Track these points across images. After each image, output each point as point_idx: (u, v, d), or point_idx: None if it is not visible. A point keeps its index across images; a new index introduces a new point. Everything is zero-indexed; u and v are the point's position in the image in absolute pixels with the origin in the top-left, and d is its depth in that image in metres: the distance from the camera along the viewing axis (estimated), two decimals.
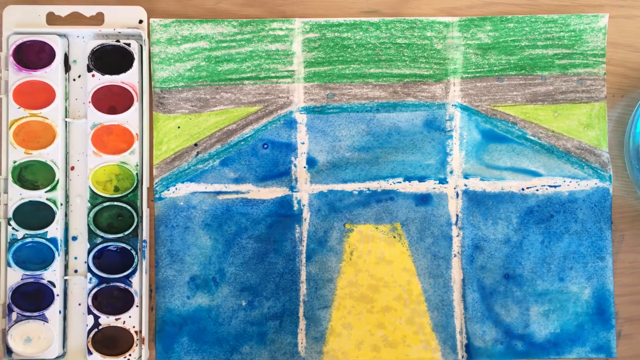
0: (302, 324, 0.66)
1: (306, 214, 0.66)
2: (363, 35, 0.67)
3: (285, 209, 0.66)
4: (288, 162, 0.66)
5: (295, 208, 0.66)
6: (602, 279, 0.66)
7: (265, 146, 0.66)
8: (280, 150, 0.66)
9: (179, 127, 0.66)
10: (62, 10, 0.66)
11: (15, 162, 0.64)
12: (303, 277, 0.66)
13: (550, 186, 0.66)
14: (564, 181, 0.66)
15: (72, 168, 0.66)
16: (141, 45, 0.65)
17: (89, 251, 0.64)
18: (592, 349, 0.66)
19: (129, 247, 0.64)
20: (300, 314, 0.66)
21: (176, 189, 0.66)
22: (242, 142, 0.66)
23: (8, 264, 0.64)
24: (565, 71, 0.67)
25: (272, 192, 0.66)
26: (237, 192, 0.66)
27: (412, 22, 0.67)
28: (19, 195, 0.64)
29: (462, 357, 0.66)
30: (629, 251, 0.67)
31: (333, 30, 0.67)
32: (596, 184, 0.66)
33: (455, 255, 0.66)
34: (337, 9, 0.67)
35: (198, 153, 0.66)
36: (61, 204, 0.64)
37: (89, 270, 0.64)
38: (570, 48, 0.67)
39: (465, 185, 0.66)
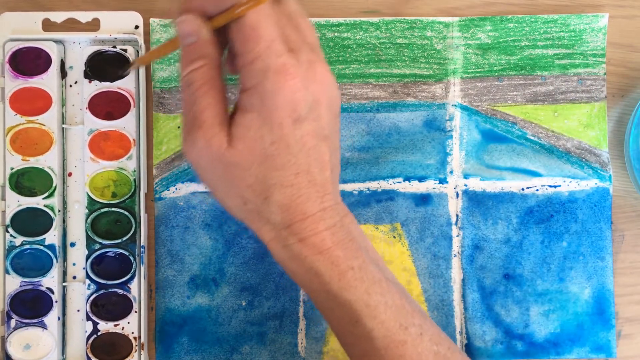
0: (302, 324, 0.66)
1: None
2: (363, 35, 0.66)
3: None
4: None
5: None
6: (602, 279, 0.66)
7: None
8: None
9: (179, 127, 0.66)
10: (58, 17, 0.65)
11: (12, 168, 0.64)
12: None
13: (550, 186, 0.66)
14: (564, 181, 0.66)
15: (70, 174, 0.65)
16: (137, 51, 0.65)
17: (87, 257, 0.64)
18: (592, 349, 0.66)
19: (127, 253, 0.64)
20: (300, 314, 0.66)
21: (176, 189, 0.66)
22: None
23: (6, 271, 0.63)
24: (565, 71, 0.67)
25: None
26: None
27: (412, 22, 0.66)
28: (16, 202, 0.64)
29: None
30: (629, 251, 0.67)
31: (333, 30, 0.66)
32: (596, 184, 0.66)
33: (455, 255, 0.66)
34: (337, 9, 0.67)
35: None
36: (59, 211, 0.64)
37: (88, 276, 0.64)
38: (570, 48, 0.67)
39: (465, 185, 0.66)
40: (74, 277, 0.65)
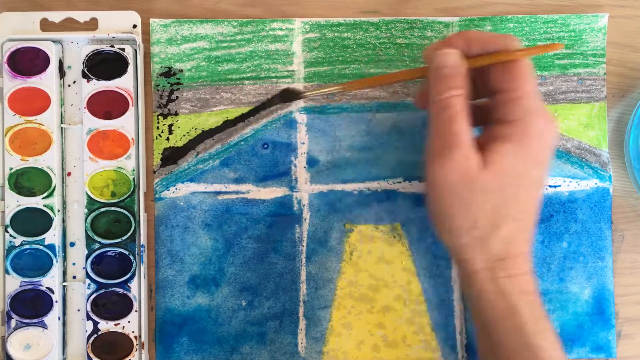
0: (302, 324, 0.66)
1: (306, 214, 0.66)
2: (363, 35, 0.66)
3: (285, 209, 0.66)
4: (288, 162, 0.66)
5: (295, 208, 0.66)
6: (602, 279, 0.66)
7: (266, 146, 0.66)
8: (280, 150, 0.66)
9: (179, 127, 0.66)
10: (56, 16, 0.65)
11: (11, 169, 0.64)
12: (303, 277, 0.66)
13: (550, 186, 0.66)
14: (564, 181, 0.66)
15: (69, 174, 0.65)
16: (135, 50, 0.65)
17: (87, 257, 0.64)
18: (592, 349, 0.66)
19: (127, 252, 0.64)
20: (300, 314, 0.66)
21: (176, 189, 0.66)
22: (242, 142, 0.66)
23: (6, 271, 0.64)
24: (565, 71, 0.66)
25: (272, 192, 0.66)
26: (237, 192, 0.66)
27: (412, 22, 0.66)
28: (15, 202, 0.64)
29: (463, 357, 0.66)
30: (629, 251, 0.67)
31: (333, 30, 0.66)
32: (596, 184, 0.66)
33: None
34: (337, 9, 0.67)
35: (198, 153, 0.66)
36: (58, 210, 0.64)
37: (87, 276, 0.64)
38: (570, 48, 0.66)
39: None
40: (74, 277, 0.65)
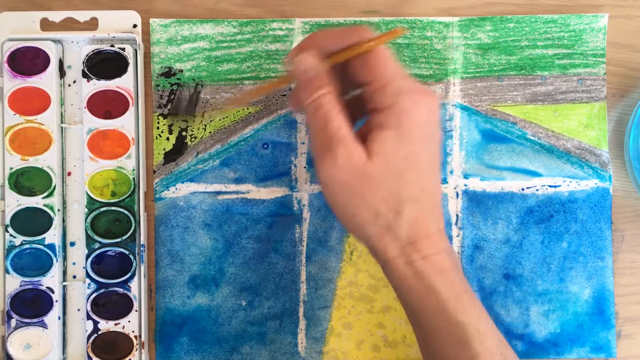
0: (302, 324, 0.66)
1: (306, 214, 0.66)
2: None
3: (285, 209, 0.66)
4: (288, 162, 0.66)
5: (295, 208, 0.66)
6: (602, 279, 0.66)
7: (266, 146, 0.66)
8: (280, 150, 0.66)
9: (179, 128, 0.66)
10: (56, 16, 0.65)
11: (11, 168, 0.64)
12: (303, 277, 0.66)
13: (550, 186, 0.66)
14: (564, 181, 0.66)
15: (69, 174, 0.65)
16: (135, 50, 0.65)
17: (87, 256, 0.64)
18: (592, 349, 0.66)
19: (127, 252, 0.64)
20: (300, 314, 0.66)
21: (176, 189, 0.66)
22: (242, 142, 0.66)
23: (6, 271, 0.64)
24: (565, 71, 0.66)
25: (272, 192, 0.66)
26: (237, 192, 0.66)
27: (412, 22, 0.66)
28: (16, 202, 0.64)
29: None
30: (629, 251, 0.67)
31: None
32: (596, 184, 0.66)
33: None
34: (337, 9, 0.67)
35: (198, 153, 0.66)
36: (58, 210, 0.64)
37: (88, 275, 0.64)
38: (570, 48, 0.66)
39: (465, 185, 0.66)
40: (74, 277, 0.65)
